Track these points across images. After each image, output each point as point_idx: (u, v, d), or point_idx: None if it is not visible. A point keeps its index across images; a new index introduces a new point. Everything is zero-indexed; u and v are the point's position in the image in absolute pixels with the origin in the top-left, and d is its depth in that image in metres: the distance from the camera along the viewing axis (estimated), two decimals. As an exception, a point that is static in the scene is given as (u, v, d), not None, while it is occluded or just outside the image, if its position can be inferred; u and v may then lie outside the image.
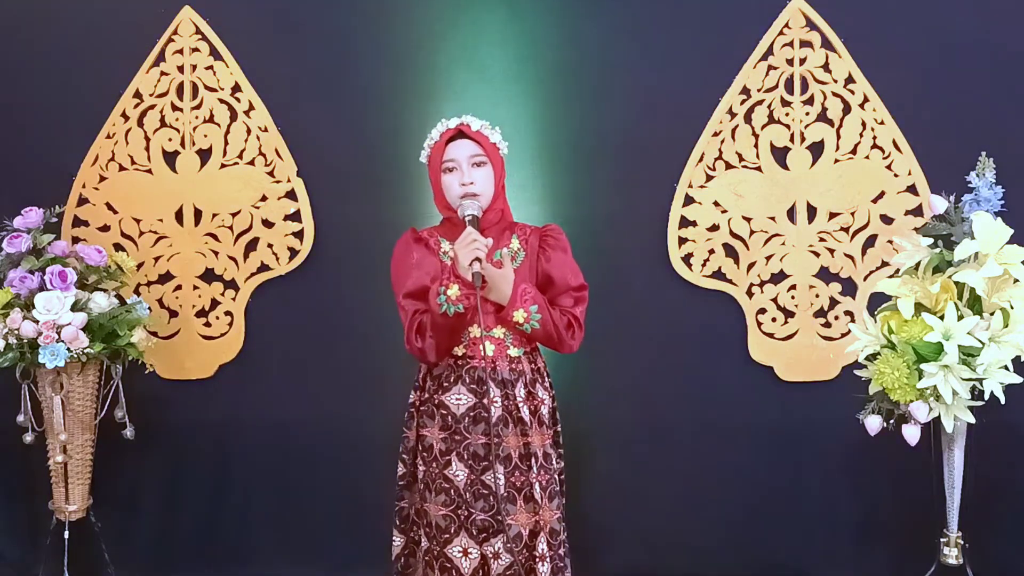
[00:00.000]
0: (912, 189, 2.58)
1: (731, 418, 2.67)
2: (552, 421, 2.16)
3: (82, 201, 2.85)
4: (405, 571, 2.18)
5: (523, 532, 2.04)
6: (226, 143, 2.80)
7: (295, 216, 2.79)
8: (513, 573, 2.03)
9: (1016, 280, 2.02)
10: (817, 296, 2.64)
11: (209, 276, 2.83)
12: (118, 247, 2.81)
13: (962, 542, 2.22)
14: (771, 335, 2.66)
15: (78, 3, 2.84)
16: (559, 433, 2.19)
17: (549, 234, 2.18)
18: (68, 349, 2.45)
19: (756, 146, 2.65)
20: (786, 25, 2.63)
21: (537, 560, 2.03)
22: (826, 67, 2.61)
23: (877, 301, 2.25)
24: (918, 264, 2.14)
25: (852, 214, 2.61)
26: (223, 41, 2.80)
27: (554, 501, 2.08)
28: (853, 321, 2.55)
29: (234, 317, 2.82)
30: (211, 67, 2.81)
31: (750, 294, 2.67)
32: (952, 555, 2.21)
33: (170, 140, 2.82)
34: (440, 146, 2.10)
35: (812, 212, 2.64)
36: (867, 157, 2.60)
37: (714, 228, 2.67)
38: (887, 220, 2.60)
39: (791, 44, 2.63)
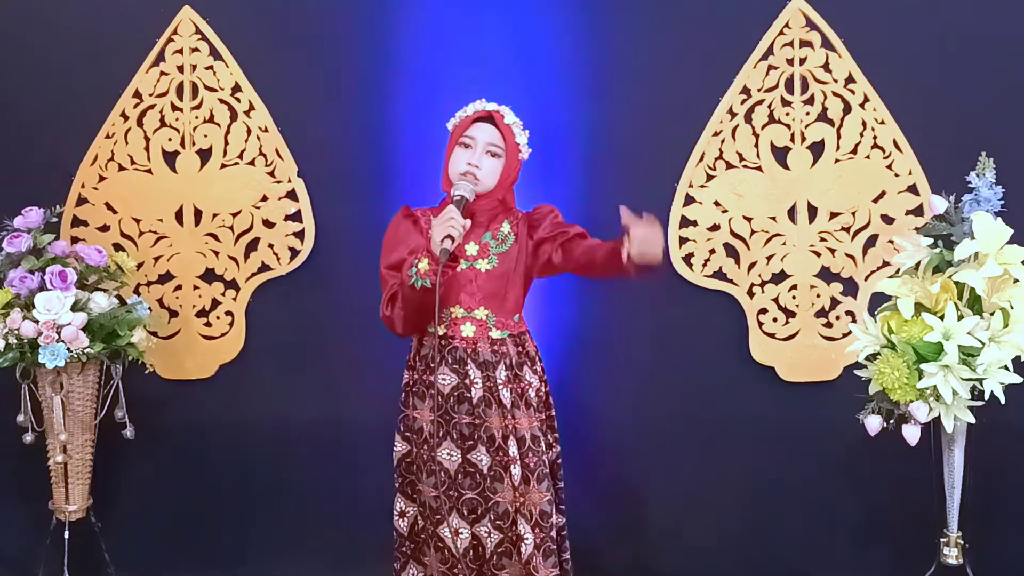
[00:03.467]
0: (913, 189, 2.58)
1: (732, 418, 2.67)
2: (544, 405, 2.18)
3: (81, 201, 2.85)
4: (416, 539, 2.20)
5: (509, 509, 2.06)
6: (226, 143, 2.80)
7: (296, 216, 2.79)
8: (503, 551, 2.05)
9: (1016, 280, 2.02)
10: (818, 296, 2.64)
11: (209, 276, 2.83)
12: (118, 247, 2.80)
13: (962, 542, 2.22)
14: (772, 335, 2.66)
15: (78, 3, 2.84)
16: (553, 417, 2.21)
17: (535, 215, 2.23)
18: (68, 349, 2.45)
19: (756, 146, 2.65)
20: (786, 25, 2.63)
21: (519, 540, 2.06)
22: (826, 67, 2.61)
23: (878, 301, 2.24)
24: (918, 264, 2.14)
25: (853, 214, 2.61)
26: (223, 41, 2.80)
27: (543, 483, 2.09)
28: (854, 321, 2.55)
29: (235, 317, 2.82)
30: (211, 67, 2.80)
31: (751, 294, 2.67)
32: (952, 555, 2.21)
33: (170, 140, 2.82)
34: (467, 122, 2.14)
35: (813, 212, 2.64)
36: (867, 157, 2.60)
37: (715, 228, 2.67)
38: (888, 220, 2.60)
39: (791, 44, 2.63)
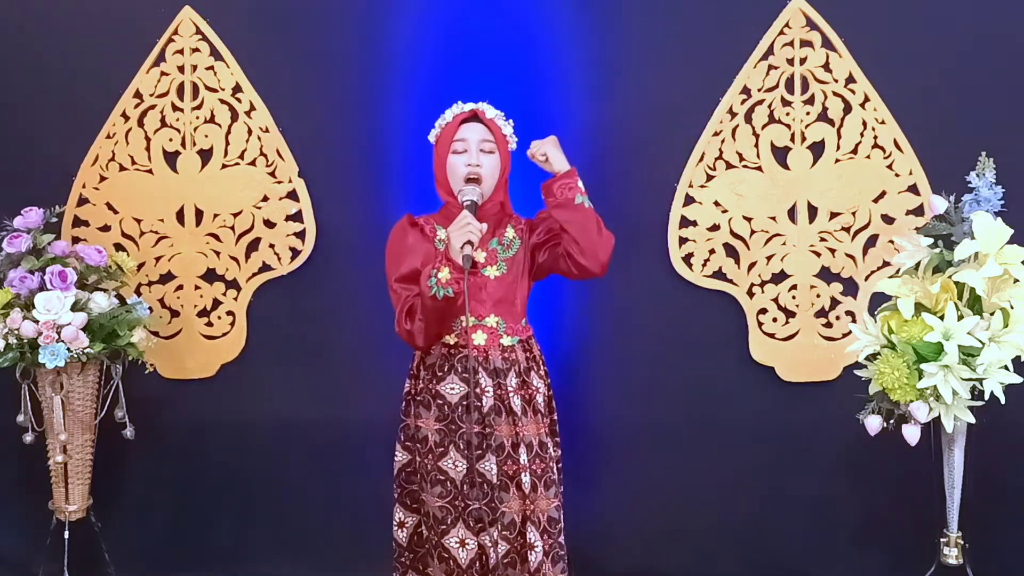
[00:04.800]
0: (913, 189, 2.58)
1: (731, 418, 2.67)
2: (548, 409, 2.17)
3: (82, 201, 2.85)
4: (415, 550, 2.19)
5: (516, 519, 2.05)
6: (227, 143, 2.80)
7: (297, 216, 2.79)
8: (509, 561, 2.04)
9: (1016, 280, 2.02)
10: (818, 296, 2.64)
11: (211, 276, 2.83)
12: (118, 247, 2.81)
13: (962, 542, 2.22)
14: (772, 335, 2.66)
15: (78, 3, 2.84)
16: (555, 421, 2.20)
17: (535, 220, 2.24)
18: (68, 349, 2.45)
19: (756, 146, 2.65)
20: (786, 25, 2.63)
21: (527, 548, 2.05)
22: (826, 67, 2.61)
23: (878, 301, 2.25)
24: (918, 264, 2.15)
25: (853, 214, 2.61)
26: (223, 41, 2.80)
27: (551, 489, 2.09)
28: (855, 321, 2.55)
29: (236, 317, 2.82)
30: (212, 67, 2.81)
31: (751, 294, 2.66)
32: (952, 555, 2.21)
33: (171, 140, 2.82)
34: (452, 127, 2.13)
35: (813, 212, 2.63)
36: (868, 157, 2.60)
37: (714, 228, 2.67)
38: (888, 220, 2.60)
39: (791, 44, 2.63)
